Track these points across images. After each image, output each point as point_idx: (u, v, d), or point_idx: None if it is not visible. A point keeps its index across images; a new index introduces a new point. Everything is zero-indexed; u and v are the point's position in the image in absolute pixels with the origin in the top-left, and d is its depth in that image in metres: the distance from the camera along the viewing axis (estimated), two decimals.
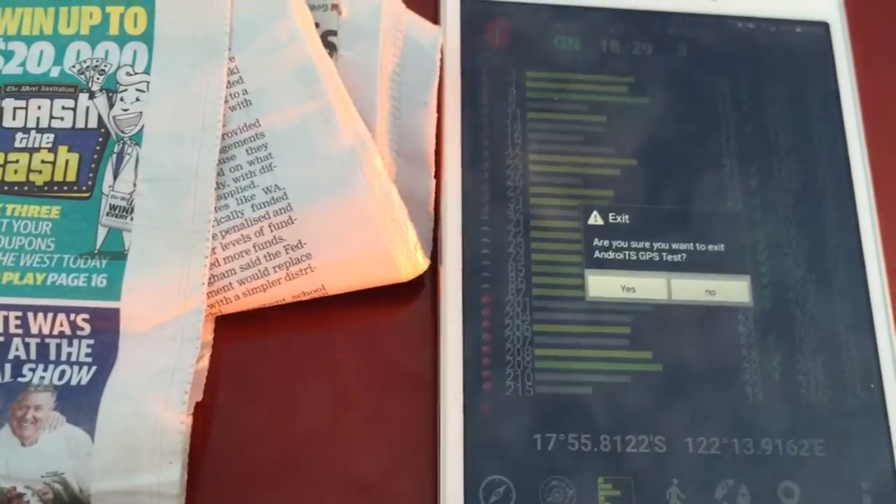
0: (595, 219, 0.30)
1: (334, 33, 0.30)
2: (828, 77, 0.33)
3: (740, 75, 0.32)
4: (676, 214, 0.30)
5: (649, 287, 0.29)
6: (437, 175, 0.30)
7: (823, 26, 0.33)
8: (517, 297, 0.29)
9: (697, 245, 0.30)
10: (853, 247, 0.30)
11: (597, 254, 0.29)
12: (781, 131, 0.32)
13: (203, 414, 0.27)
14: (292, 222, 0.27)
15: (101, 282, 0.26)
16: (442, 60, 0.31)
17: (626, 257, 0.30)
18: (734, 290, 0.29)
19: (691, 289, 0.29)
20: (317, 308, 0.28)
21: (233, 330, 0.28)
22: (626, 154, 0.31)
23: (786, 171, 0.31)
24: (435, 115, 0.30)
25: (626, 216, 0.30)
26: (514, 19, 0.32)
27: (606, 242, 0.30)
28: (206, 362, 0.27)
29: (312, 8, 0.30)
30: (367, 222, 0.27)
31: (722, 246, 0.30)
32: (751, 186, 0.31)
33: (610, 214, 0.30)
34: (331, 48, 0.30)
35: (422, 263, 0.28)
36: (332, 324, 0.29)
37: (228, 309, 0.27)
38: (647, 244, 0.30)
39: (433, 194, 0.30)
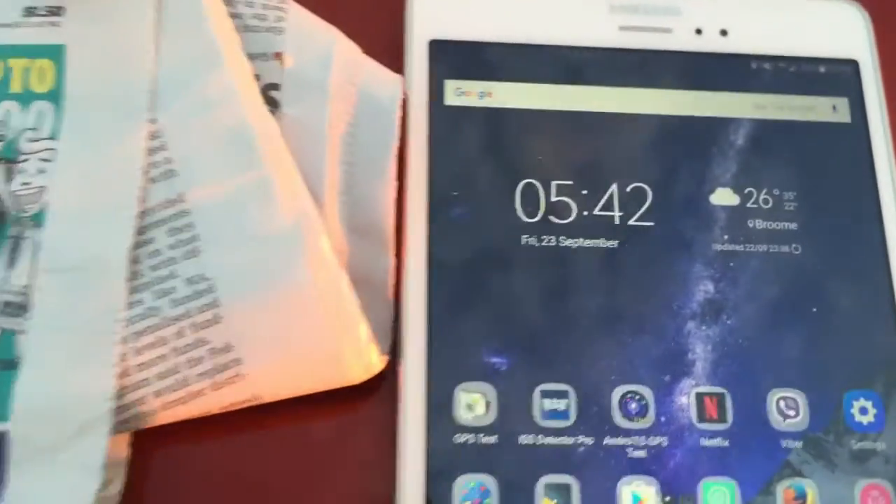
0: None
1: (277, 87, 0.26)
2: (857, 118, 0.29)
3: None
4: None
5: None
6: (398, 253, 0.26)
7: (852, 64, 0.29)
8: None
9: None
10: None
11: None
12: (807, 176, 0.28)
13: None
14: (219, 321, 0.23)
15: None
16: (405, 114, 0.26)
17: None
18: None
19: None
20: (252, 413, 0.24)
21: (153, 440, 0.24)
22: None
23: (810, 213, 0.27)
24: (395, 183, 0.26)
25: None
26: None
27: None
28: (117, 487, 0.23)
29: (252, 57, 0.26)
30: (308, 318, 0.23)
31: None
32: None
33: None
34: (273, 104, 0.26)
35: (375, 363, 0.24)
36: (268, 432, 0.24)
37: (144, 424, 0.23)
38: None
39: (393, 276, 0.25)
